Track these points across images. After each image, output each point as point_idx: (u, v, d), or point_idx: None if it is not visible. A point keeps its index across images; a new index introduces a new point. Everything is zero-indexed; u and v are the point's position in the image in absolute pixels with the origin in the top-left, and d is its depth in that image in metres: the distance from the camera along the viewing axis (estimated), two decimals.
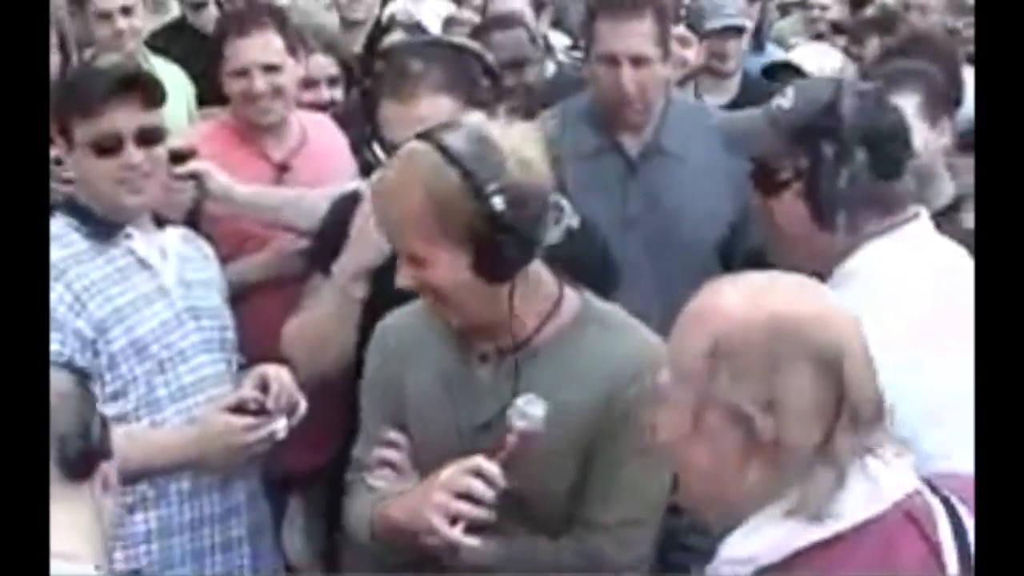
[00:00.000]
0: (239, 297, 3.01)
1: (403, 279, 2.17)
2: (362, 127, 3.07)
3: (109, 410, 2.62)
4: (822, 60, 5.12)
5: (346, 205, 2.93)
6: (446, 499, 2.11)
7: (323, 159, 3.47)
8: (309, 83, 3.78)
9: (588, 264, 2.46)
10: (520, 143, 2.11)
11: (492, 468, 2.11)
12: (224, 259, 3.02)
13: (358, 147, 3.33)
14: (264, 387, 2.68)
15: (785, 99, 2.29)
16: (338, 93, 4.02)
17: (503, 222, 2.06)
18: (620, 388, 2.16)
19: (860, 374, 1.48)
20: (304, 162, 3.43)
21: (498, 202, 2.05)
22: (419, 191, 2.08)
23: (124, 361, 2.65)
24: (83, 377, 1.86)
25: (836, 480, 1.47)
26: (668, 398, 1.55)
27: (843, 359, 1.47)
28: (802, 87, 2.36)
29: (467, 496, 2.10)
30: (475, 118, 2.41)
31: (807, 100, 2.26)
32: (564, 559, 2.22)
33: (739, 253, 3.10)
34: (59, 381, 1.77)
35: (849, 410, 1.47)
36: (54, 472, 1.67)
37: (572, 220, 2.17)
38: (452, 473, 2.13)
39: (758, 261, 2.26)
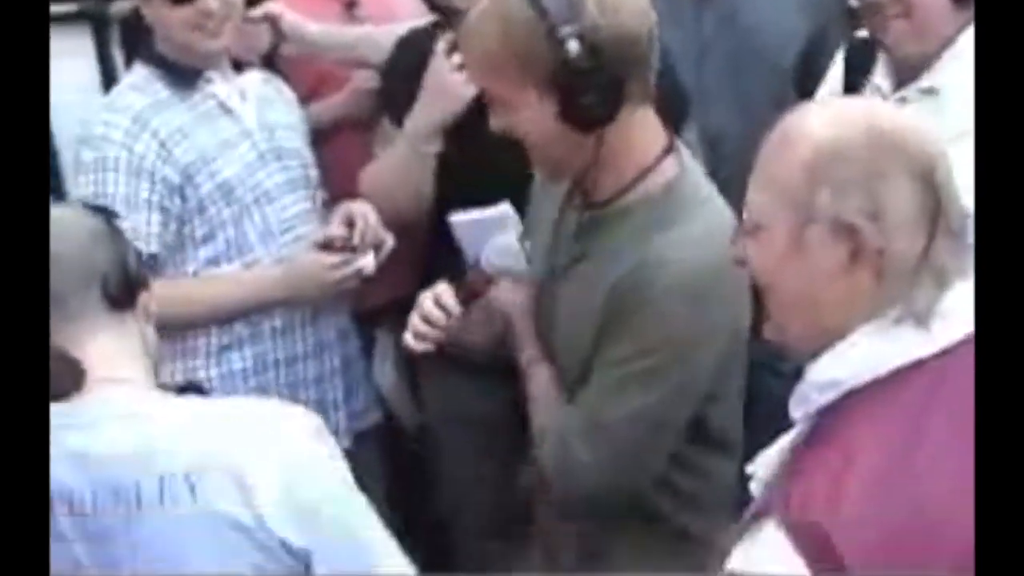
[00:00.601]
0: (318, 138, 3.04)
1: (493, 122, 2.09)
2: None
3: (201, 253, 2.72)
4: None
5: (416, 42, 2.92)
6: (414, 318, 2.25)
7: None
8: None
9: (663, 98, 2.41)
10: None
11: (448, 296, 2.23)
12: (302, 100, 3.05)
13: None
14: (350, 223, 2.74)
15: None
16: None
17: (580, 67, 1.94)
18: (637, 288, 2.02)
19: (951, 184, 1.49)
20: (371, 1, 3.42)
21: (573, 47, 1.93)
22: (499, 30, 1.98)
23: (212, 204, 2.71)
24: (109, 215, 1.93)
25: (939, 287, 1.49)
26: (761, 223, 1.56)
27: (937, 168, 1.48)
28: None
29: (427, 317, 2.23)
30: None
31: None
32: (553, 426, 2.17)
33: (816, 73, 3.07)
34: (91, 222, 1.87)
35: (945, 219, 1.48)
36: (101, 305, 1.80)
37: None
38: (425, 294, 2.25)
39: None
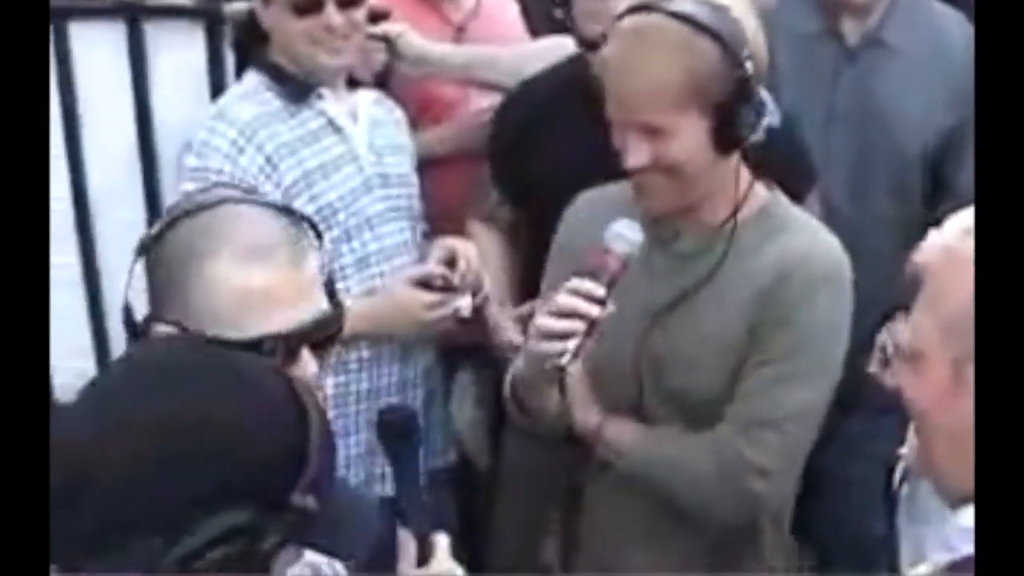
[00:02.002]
0: (423, 166, 2.95)
1: (636, 158, 2.10)
2: None
3: None
4: None
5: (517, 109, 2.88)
6: (540, 319, 2.09)
7: (496, 23, 3.36)
8: None
9: (785, 163, 2.36)
10: (745, 13, 2.09)
11: (589, 284, 2.06)
12: (410, 123, 2.96)
13: (528, 12, 3.28)
14: (451, 262, 2.65)
15: None
16: None
17: (749, 88, 2.05)
18: (785, 285, 2.15)
19: None
20: (479, 25, 3.32)
21: (749, 67, 2.04)
22: (674, 58, 2.04)
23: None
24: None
25: None
26: (922, 349, 1.43)
27: None
28: None
29: (568, 315, 2.06)
30: None
31: None
32: (693, 448, 2.20)
33: (950, 168, 2.92)
34: None
35: None
36: None
37: (773, 118, 2.10)
38: (551, 299, 2.11)
39: None
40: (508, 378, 2.34)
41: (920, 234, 1.50)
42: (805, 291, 2.14)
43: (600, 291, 2.06)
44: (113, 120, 2.99)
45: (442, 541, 1.76)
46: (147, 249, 1.68)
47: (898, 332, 1.49)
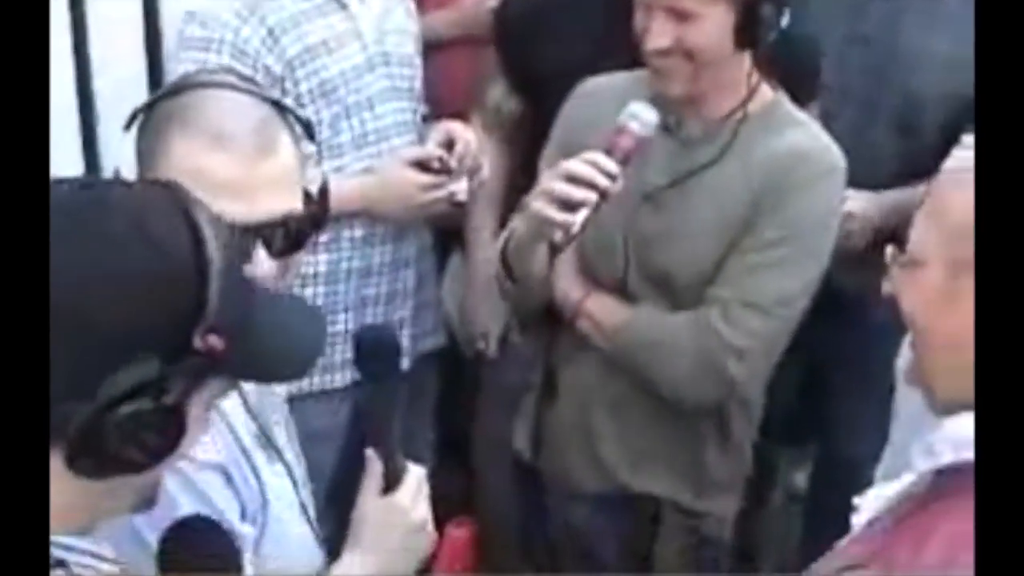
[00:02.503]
0: (427, 49, 2.92)
1: (659, 39, 2.15)
2: None
3: None
4: None
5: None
6: (553, 183, 2.10)
7: None
8: None
9: (795, 73, 2.40)
10: None
11: (603, 158, 2.09)
12: (417, 5, 2.92)
13: None
14: (449, 145, 2.64)
15: None
16: None
17: None
18: (782, 177, 2.20)
19: None
20: None
21: None
22: None
23: (311, 102, 2.60)
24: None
25: None
26: (919, 258, 1.44)
27: None
28: None
29: (576, 180, 2.09)
30: None
31: None
32: (672, 327, 2.25)
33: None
34: None
35: None
36: None
37: (783, 19, 2.16)
38: (563, 163, 2.12)
39: None
40: (499, 244, 2.36)
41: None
42: (802, 183, 2.20)
43: (613, 166, 2.09)
44: None
45: (415, 473, 1.71)
46: (134, 119, 1.67)
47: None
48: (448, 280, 3.18)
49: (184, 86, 1.66)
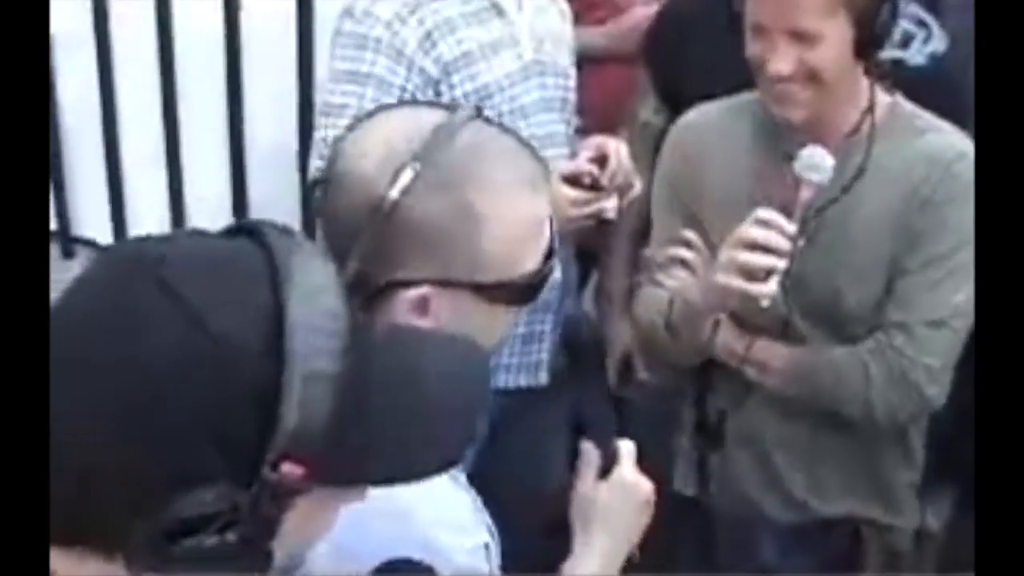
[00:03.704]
0: (582, 62, 2.88)
1: (782, 64, 2.09)
2: None
3: None
4: None
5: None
6: (736, 253, 2.05)
7: None
8: None
9: (936, 96, 2.31)
10: None
11: (777, 217, 2.04)
12: (575, 16, 2.89)
13: None
14: (602, 160, 2.59)
15: None
16: None
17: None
18: (928, 186, 2.15)
19: None
20: None
21: None
22: None
23: None
24: None
25: None
26: None
27: None
28: None
29: (759, 248, 2.04)
30: None
31: None
32: (853, 356, 2.20)
33: None
34: None
35: None
36: None
37: (939, 44, 2.14)
38: (739, 230, 2.07)
39: None
40: (659, 307, 2.30)
41: None
42: (956, 191, 2.13)
43: (793, 228, 2.04)
44: None
45: (627, 447, 1.71)
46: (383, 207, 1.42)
47: None
48: (588, 298, 3.14)
49: (449, 131, 1.45)
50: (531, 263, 1.48)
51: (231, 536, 0.93)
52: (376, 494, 1.08)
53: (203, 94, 3.37)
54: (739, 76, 2.31)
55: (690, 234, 2.26)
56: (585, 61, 2.89)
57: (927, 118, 2.24)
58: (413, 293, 1.42)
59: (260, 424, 0.94)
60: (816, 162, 2.08)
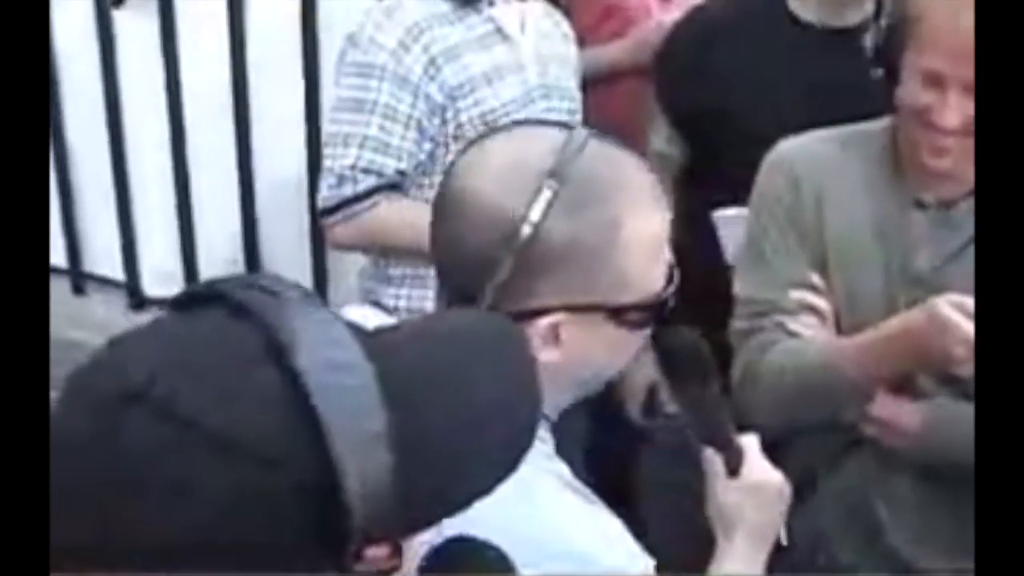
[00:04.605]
0: (589, 83, 2.88)
1: (953, 117, 1.91)
2: None
3: None
4: None
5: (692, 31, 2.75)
6: (958, 317, 1.84)
7: None
8: None
9: None
10: None
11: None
12: (580, 36, 2.89)
13: None
14: None
15: None
16: None
17: None
18: None
19: None
20: None
21: None
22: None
23: (471, 132, 2.56)
24: None
25: None
26: None
27: None
28: None
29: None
30: None
31: None
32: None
33: None
34: None
35: None
36: None
37: None
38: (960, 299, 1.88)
39: None
40: (795, 361, 2.12)
41: None
42: None
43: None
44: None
45: (751, 442, 1.63)
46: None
47: None
48: None
49: (578, 145, 1.37)
50: (660, 283, 1.40)
51: None
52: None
53: (211, 125, 3.40)
54: (772, 95, 2.26)
55: (818, 279, 2.11)
56: (591, 81, 2.89)
57: None
58: (544, 323, 1.34)
59: (329, 523, 0.84)
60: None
